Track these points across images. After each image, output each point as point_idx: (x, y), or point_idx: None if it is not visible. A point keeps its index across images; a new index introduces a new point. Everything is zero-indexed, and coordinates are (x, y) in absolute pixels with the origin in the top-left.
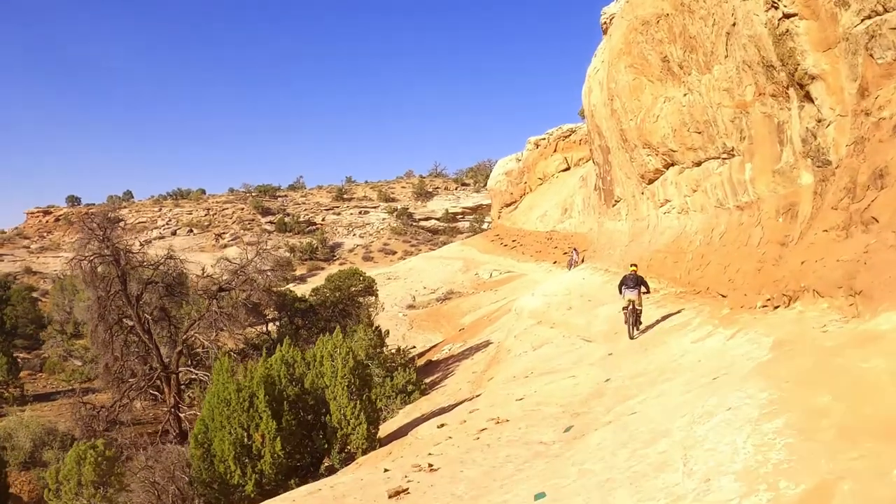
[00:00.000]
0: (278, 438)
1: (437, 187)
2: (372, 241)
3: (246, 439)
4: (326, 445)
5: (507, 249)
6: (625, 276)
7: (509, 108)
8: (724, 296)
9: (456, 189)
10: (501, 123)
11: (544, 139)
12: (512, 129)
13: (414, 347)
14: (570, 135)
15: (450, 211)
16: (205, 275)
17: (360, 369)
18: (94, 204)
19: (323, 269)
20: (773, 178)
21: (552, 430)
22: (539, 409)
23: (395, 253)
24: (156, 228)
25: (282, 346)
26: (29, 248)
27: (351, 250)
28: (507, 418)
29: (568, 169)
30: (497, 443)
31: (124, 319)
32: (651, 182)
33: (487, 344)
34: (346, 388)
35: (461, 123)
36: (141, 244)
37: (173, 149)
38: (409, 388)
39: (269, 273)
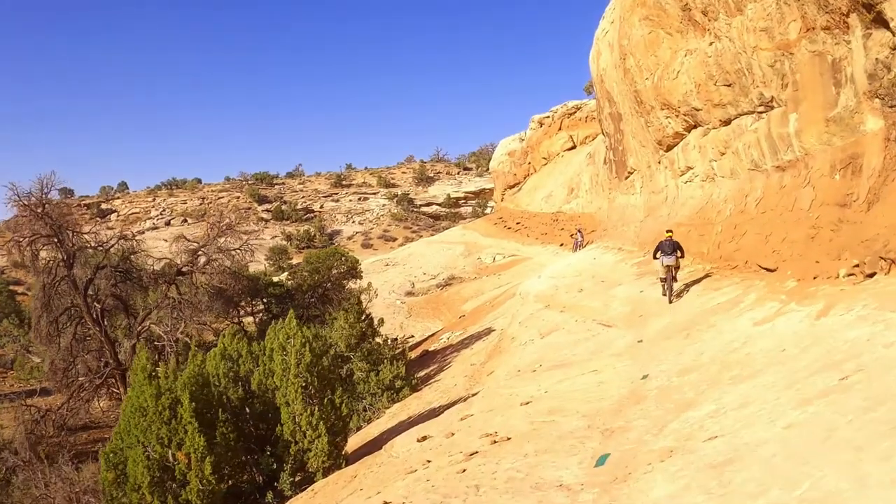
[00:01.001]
0: (208, 458)
1: (439, 172)
2: (371, 228)
3: (168, 459)
4: (275, 465)
5: (510, 232)
6: (660, 243)
7: (515, 91)
8: (769, 269)
9: (458, 174)
10: (506, 107)
11: (548, 117)
12: (518, 113)
13: (412, 337)
14: (575, 112)
15: (452, 196)
16: (161, 258)
17: (321, 365)
18: (88, 196)
19: None
20: (827, 127)
21: (575, 460)
22: (553, 421)
23: (395, 239)
24: (149, 219)
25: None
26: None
27: (350, 237)
28: (508, 435)
29: (574, 148)
30: (490, 484)
31: (72, 309)
32: (669, 149)
33: (489, 332)
34: (299, 389)
35: (464, 108)
36: (132, 235)
37: (169, 139)
38: (398, 384)
39: (235, 253)
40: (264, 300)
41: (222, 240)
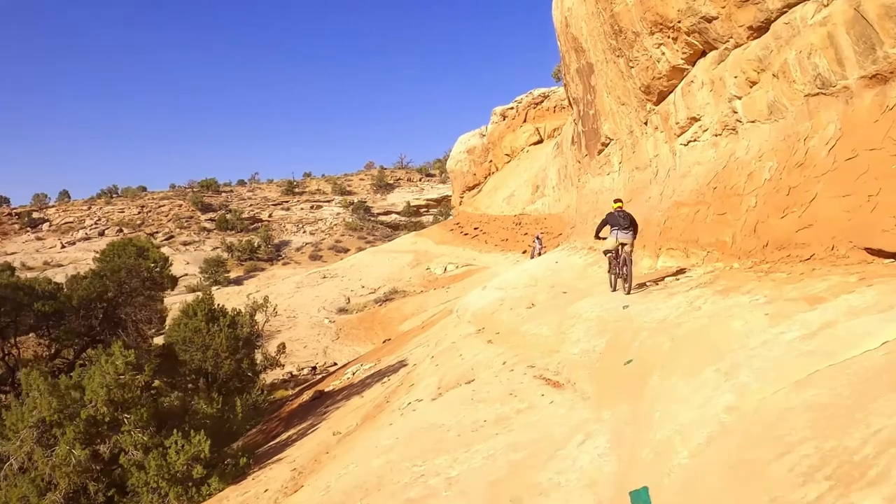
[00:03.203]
0: None
1: (399, 179)
2: (323, 239)
3: None
4: None
5: (467, 239)
6: (610, 215)
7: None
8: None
9: (420, 180)
10: (480, 112)
11: (512, 108)
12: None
13: (334, 364)
14: (542, 101)
15: (412, 204)
16: None
17: None
18: (25, 206)
19: (264, 269)
20: None
21: None
22: None
23: (347, 251)
24: (82, 228)
25: None
26: None
27: (298, 249)
28: None
29: (541, 142)
30: None
31: None
32: (662, 98)
33: (401, 366)
34: None
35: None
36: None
37: (111, 146)
38: (197, 471)
39: None
40: (35, 321)
41: None
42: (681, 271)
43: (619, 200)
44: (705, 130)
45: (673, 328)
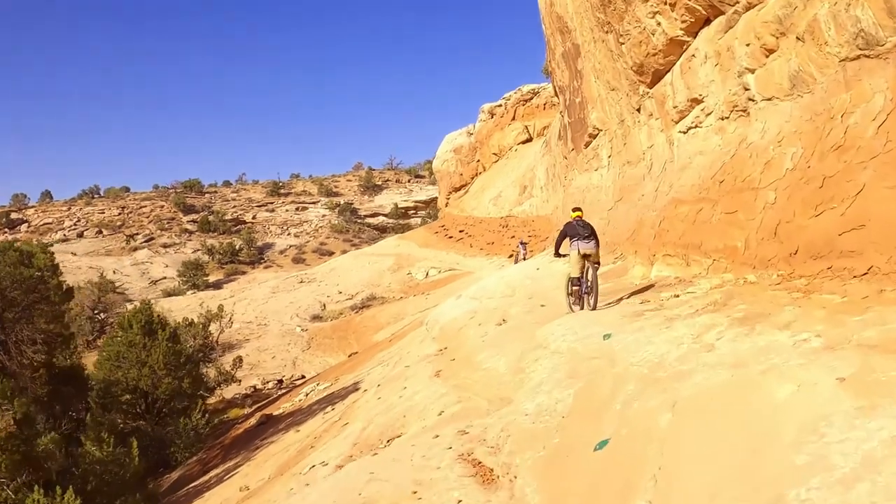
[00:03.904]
0: None
1: (388, 180)
2: (307, 241)
3: None
4: None
5: (452, 242)
6: (568, 225)
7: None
8: None
9: (409, 182)
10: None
11: (500, 105)
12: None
13: (301, 378)
14: (531, 97)
15: (400, 205)
16: None
17: None
18: (3, 206)
19: (245, 272)
20: None
21: None
22: None
23: (332, 253)
24: (61, 230)
25: None
26: None
27: (282, 251)
28: None
29: (530, 140)
30: None
31: None
32: (657, 79)
33: (351, 391)
34: None
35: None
36: None
37: (92, 146)
38: None
39: None
40: None
41: None
42: (680, 283)
43: (579, 209)
44: (709, 114)
45: (674, 382)
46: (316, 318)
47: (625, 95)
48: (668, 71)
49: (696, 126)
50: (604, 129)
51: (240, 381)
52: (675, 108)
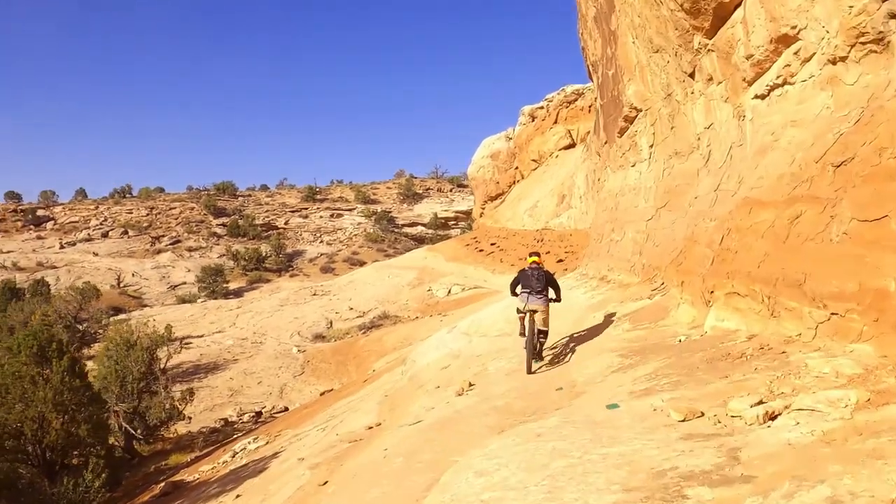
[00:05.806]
0: None
1: (429, 189)
2: (340, 250)
3: None
4: None
5: (482, 256)
6: (522, 272)
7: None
8: None
9: (451, 191)
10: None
11: (542, 108)
12: None
13: (283, 411)
14: (576, 99)
15: (440, 215)
16: None
17: None
18: (32, 202)
19: (269, 280)
20: None
21: None
22: None
23: (363, 264)
24: (86, 229)
25: None
26: None
27: (312, 260)
28: None
29: (573, 145)
30: None
31: None
32: (720, 23)
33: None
34: None
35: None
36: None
37: (127, 146)
38: None
39: None
40: None
41: None
42: (762, 352)
43: (536, 254)
44: (808, 58)
45: None
46: (318, 337)
47: (672, 56)
48: (737, 4)
49: (784, 83)
50: (644, 109)
51: (189, 418)
52: (748, 58)
